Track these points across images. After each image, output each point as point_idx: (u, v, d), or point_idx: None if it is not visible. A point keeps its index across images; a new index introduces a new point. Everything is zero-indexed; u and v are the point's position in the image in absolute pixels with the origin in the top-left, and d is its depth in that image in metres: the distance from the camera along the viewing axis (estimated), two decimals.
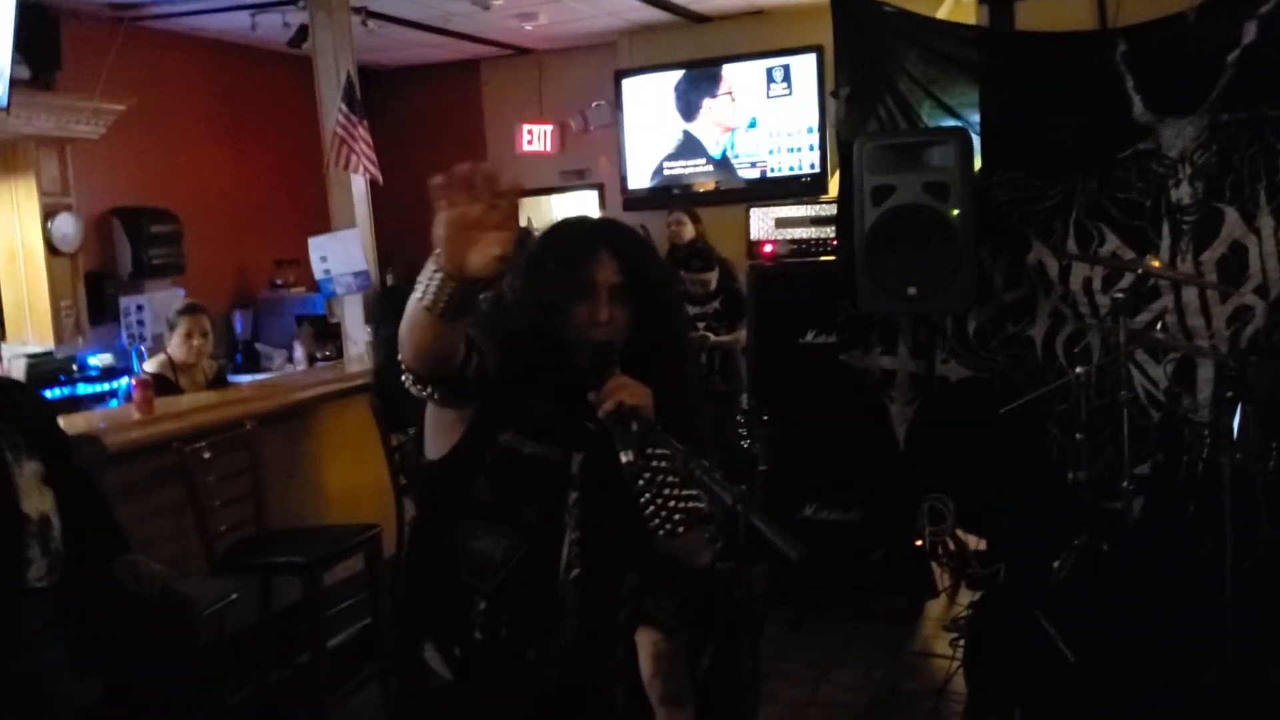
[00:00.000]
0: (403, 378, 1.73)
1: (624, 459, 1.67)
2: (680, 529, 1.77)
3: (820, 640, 4.61)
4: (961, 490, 4.67)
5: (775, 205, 5.53)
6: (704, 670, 3.18)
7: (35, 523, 3.01)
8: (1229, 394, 3.29)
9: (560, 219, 2.03)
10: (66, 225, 6.69)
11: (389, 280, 7.62)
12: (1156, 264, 3.99)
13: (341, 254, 5.75)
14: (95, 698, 3.05)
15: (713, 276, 5.81)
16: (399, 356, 1.70)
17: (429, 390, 1.74)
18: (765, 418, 4.87)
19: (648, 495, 1.77)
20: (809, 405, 5.03)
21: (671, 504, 1.76)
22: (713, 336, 5.74)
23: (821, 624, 4.77)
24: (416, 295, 1.56)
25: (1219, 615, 3.01)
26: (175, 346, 5.04)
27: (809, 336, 5.10)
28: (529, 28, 8.57)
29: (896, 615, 4.77)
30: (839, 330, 4.91)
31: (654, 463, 1.73)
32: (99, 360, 6.62)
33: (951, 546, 4.77)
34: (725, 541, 1.50)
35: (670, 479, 1.75)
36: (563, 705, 1.93)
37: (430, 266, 1.53)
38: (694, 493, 1.74)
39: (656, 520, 1.77)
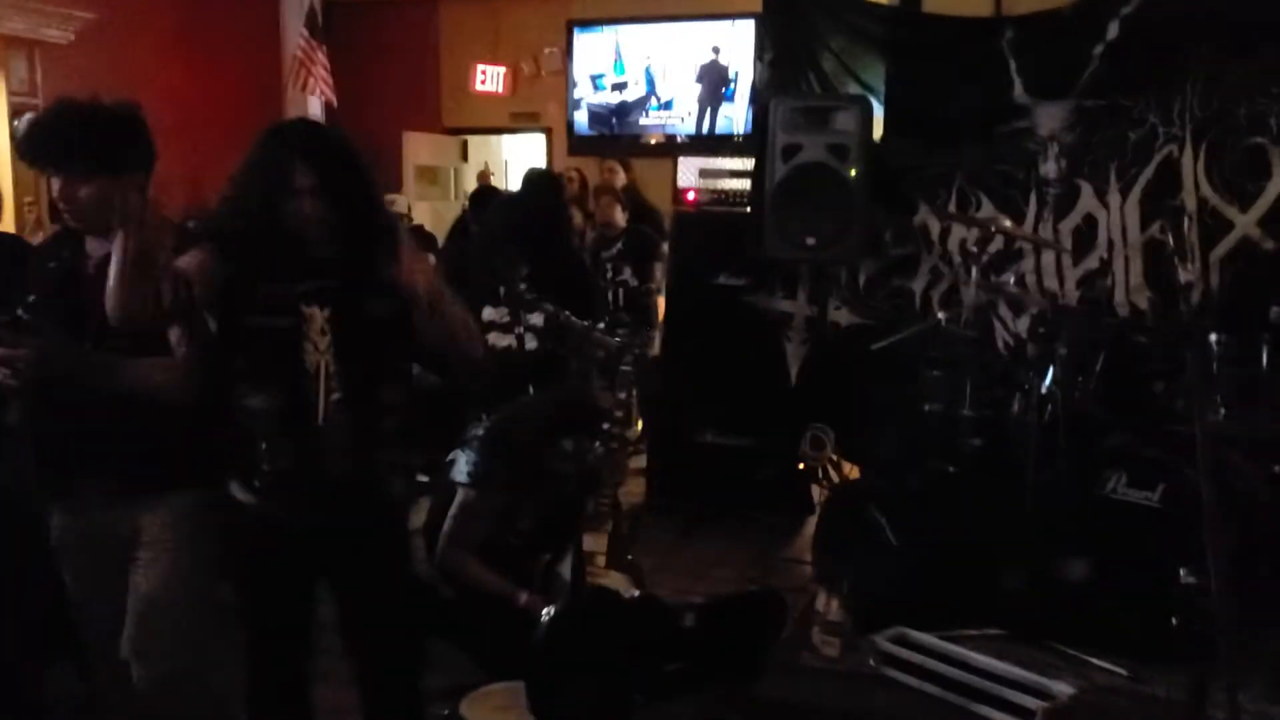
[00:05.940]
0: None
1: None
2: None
3: (706, 547, 5.12)
4: (844, 422, 5.21)
5: (700, 157, 5.97)
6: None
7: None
8: (1041, 331, 3.88)
9: (264, 130, 2.61)
10: None
11: None
12: (1016, 229, 4.54)
13: None
14: None
15: (620, 216, 6.19)
16: None
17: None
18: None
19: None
20: (716, 340, 5.54)
21: None
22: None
23: (709, 536, 5.29)
24: None
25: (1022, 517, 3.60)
26: None
27: (721, 278, 5.61)
28: None
29: (778, 530, 5.32)
30: (746, 274, 5.42)
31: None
32: None
33: (830, 470, 5.32)
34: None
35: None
36: (347, 497, 2.46)
37: None
38: None
39: None
